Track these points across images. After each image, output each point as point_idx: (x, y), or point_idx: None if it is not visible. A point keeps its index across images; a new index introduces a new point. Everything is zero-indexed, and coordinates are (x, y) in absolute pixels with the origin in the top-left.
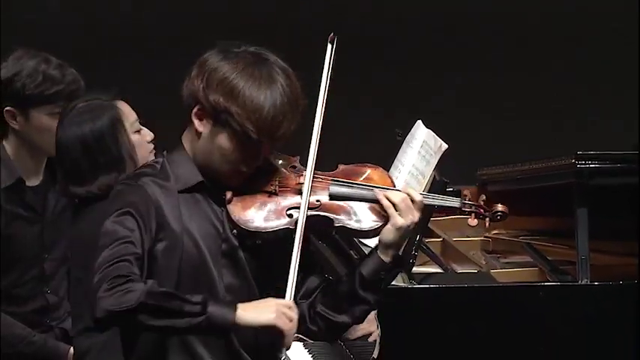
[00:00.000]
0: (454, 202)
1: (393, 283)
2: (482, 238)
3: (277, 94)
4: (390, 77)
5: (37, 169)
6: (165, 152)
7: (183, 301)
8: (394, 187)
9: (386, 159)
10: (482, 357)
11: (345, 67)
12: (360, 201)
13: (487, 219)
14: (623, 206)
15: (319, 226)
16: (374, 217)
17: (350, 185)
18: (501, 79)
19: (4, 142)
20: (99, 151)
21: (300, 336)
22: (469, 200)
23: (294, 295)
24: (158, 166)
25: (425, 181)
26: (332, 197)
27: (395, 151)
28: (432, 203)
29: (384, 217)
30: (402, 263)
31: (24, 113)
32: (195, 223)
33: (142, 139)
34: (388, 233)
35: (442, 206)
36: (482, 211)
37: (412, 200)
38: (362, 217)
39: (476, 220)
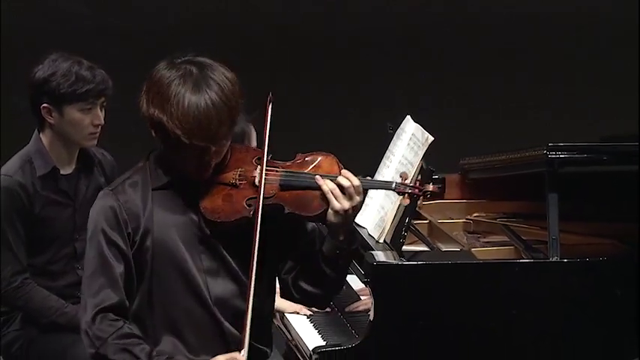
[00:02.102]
0: (388, 185)
1: (385, 260)
2: (464, 220)
3: (202, 100)
4: (386, 78)
5: (70, 159)
6: (150, 153)
7: (146, 355)
8: (340, 173)
9: (379, 150)
10: (463, 325)
11: (343, 67)
12: (306, 189)
13: (420, 197)
14: (590, 192)
15: (273, 213)
16: (317, 204)
17: (297, 175)
18: (482, 78)
19: (40, 135)
20: None
21: (304, 310)
22: (403, 182)
23: (279, 271)
24: (141, 167)
25: (414, 170)
26: (282, 187)
27: (387, 143)
28: (369, 187)
29: (324, 205)
30: (354, 241)
31: (58, 109)
32: (171, 215)
33: None
34: (330, 216)
35: (378, 188)
36: (416, 191)
37: (343, 186)
38: (307, 204)
39: (408, 199)
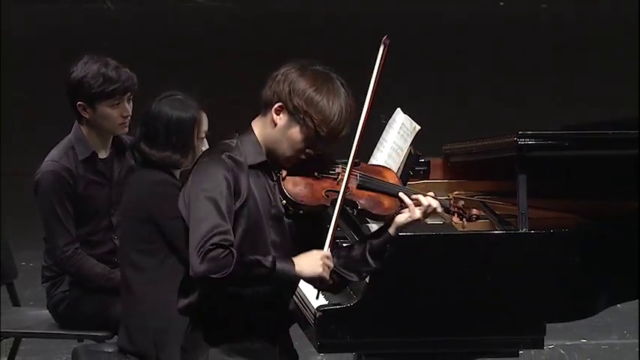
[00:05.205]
0: (444, 203)
1: None
2: (446, 198)
3: (343, 105)
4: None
5: (105, 145)
6: (237, 134)
7: (260, 265)
8: (400, 183)
9: (374, 137)
10: (445, 288)
11: (342, 66)
12: (378, 192)
13: (465, 219)
14: (553, 173)
15: (346, 206)
16: (386, 207)
17: (372, 180)
18: (463, 77)
19: (80, 126)
20: (175, 133)
21: None
22: (454, 204)
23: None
24: (234, 144)
25: (403, 154)
26: (359, 187)
27: (380, 131)
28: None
29: (393, 208)
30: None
31: (91, 106)
32: (257, 191)
33: (200, 146)
34: (404, 220)
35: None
36: (462, 212)
37: (430, 205)
38: (378, 205)
39: (458, 218)
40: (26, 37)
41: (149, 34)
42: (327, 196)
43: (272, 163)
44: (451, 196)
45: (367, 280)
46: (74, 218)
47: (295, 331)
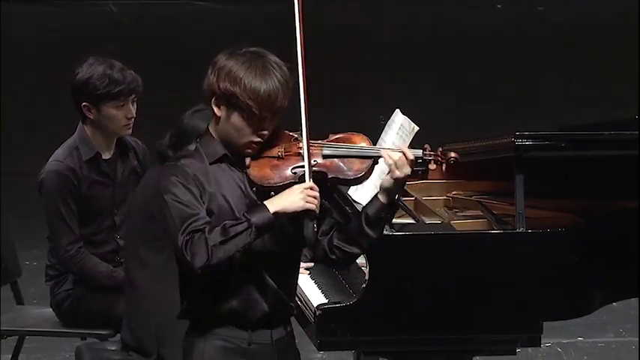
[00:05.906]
0: (417, 152)
1: None
2: (444, 198)
3: (269, 78)
4: (380, 78)
5: (109, 146)
6: (198, 139)
7: (233, 226)
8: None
9: (373, 137)
10: (443, 286)
11: (342, 66)
12: (345, 158)
13: (444, 164)
14: (551, 173)
15: (316, 178)
16: (355, 170)
17: (337, 148)
18: (464, 75)
19: (84, 126)
20: None
21: (307, 270)
22: (429, 151)
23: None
24: (192, 149)
25: None
26: (324, 157)
27: (379, 132)
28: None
29: (364, 169)
30: (396, 205)
31: (96, 107)
32: (225, 186)
33: None
34: (388, 183)
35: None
36: (439, 158)
37: (407, 158)
38: (347, 170)
39: (435, 165)
40: (26, 37)
41: (150, 36)
42: (295, 172)
43: (235, 156)
44: (450, 196)
45: (366, 278)
46: (78, 218)
47: (295, 329)
